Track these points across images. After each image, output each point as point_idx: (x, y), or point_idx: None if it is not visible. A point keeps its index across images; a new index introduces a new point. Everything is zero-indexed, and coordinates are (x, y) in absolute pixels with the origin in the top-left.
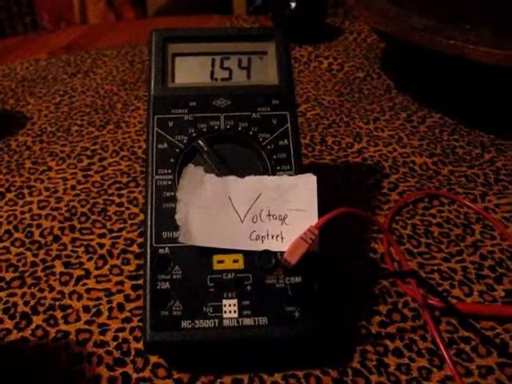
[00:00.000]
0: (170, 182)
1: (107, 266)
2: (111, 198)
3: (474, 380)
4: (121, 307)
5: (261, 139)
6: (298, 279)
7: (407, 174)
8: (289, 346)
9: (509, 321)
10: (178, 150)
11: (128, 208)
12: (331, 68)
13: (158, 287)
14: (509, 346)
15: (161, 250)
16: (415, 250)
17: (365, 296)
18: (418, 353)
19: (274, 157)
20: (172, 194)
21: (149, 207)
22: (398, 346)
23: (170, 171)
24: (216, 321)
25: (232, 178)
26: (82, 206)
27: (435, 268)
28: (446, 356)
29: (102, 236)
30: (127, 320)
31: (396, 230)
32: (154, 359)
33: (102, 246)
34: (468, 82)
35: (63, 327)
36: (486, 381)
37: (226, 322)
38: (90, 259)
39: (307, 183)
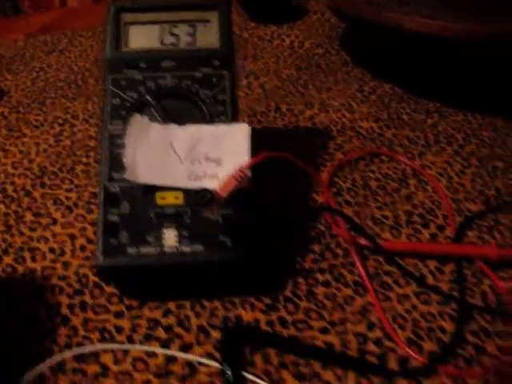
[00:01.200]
0: (121, 132)
1: (72, 215)
2: (79, 158)
3: (391, 305)
4: (83, 248)
5: (202, 95)
6: (230, 212)
7: (353, 137)
8: (222, 270)
9: (429, 257)
10: (128, 105)
11: (94, 167)
12: (293, 45)
13: (109, 220)
14: (427, 278)
15: (112, 189)
16: (352, 200)
17: (302, 237)
18: (344, 284)
19: (213, 109)
20: (123, 141)
21: (103, 153)
22: (327, 278)
23: (121, 122)
24: (158, 248)
25: (174, 126)
26: (53, 166)
27: (368, 214)
28: (367, 284)
29: (69, 190)
30: (88, 258)
31: (336, 183)
32: (108, 289)
33: (68, 198)
34: (411, 52)
35: (31, 265)
36: (402, 306)
37: (167, 249)
38: (57, 210)
39: (240, 131)
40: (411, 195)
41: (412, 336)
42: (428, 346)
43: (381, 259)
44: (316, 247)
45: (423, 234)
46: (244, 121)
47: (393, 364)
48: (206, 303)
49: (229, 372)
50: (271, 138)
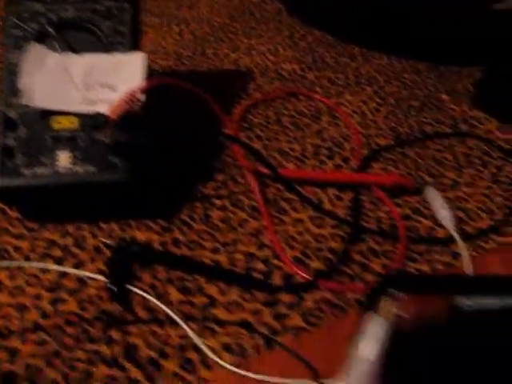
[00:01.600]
0: (19, 60)
1: None
2: None
3: (285, 228)
4: None
5: (102, 26)
6: (122, 135)
7: (274, 78)
8: (114, 190)
9: (330, 185)
10: (30, 36)
11: None
12: None
13: (6, 144)
14: (324, 204)
15: (9, 114)
16: (262, 134)
17: (207, 167)
18: (241, 208)
19: (112, 40)
20: (20, 68)
21: (3, 81)
22: (225, 203)
23: (20, 52)
24: (52, 169)
25: (71, 55)
26: None
27: (277, 147)
28: (262, 208)
29: None
30: None
31: (249, 119)
32: (13, 214)
33: None
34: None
35: None
36: (296, 228)
37: (60, 170)
38: None
39: (136, 59)
40: (322, 130)
41: (300, 256)
42: (315, 264)
43: (281, 187)
44: (220, 176)
45: (327, 165)
46: (169, 64)
47: (277, 280)
48: (103, 225)
49: (113, 286)
50: (193, 78)
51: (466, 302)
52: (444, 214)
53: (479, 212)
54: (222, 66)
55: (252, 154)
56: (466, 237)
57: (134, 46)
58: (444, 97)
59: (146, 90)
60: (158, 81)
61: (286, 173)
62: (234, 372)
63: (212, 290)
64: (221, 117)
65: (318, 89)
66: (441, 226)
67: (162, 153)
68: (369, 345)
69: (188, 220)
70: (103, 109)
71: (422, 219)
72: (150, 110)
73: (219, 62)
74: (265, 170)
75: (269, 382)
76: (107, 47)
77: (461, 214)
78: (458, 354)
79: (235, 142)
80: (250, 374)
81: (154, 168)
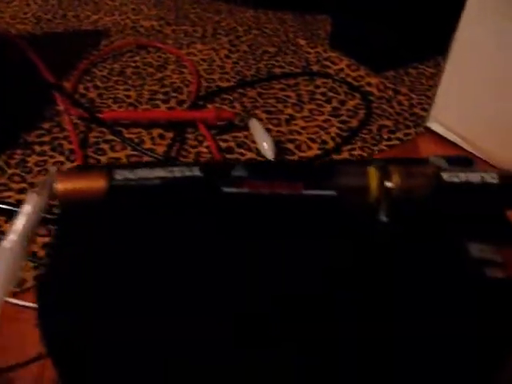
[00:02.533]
0: None
1: None
2: None
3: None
4: None
5: None
6: None
7: (130, 34)
8: None
9: (155, 125)
10: None
11: None
12: None
13: None
14: (144, 143)
15: None
16: (101, 85)
17: (33, 115)
18: (60, 152)
19: None
20: None
21: None
22: (44, 149)
23: None
24: None
25: None
26: None
27: (112, 95)
28: (76, 149)
29: None
30: None
31: (93, 72)
32: None
33: None
34: None
35: None
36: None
37: None
38: None
39: None
40: (164, 78)
41: None
42: None
43: (105, 130)
44: (46, 125)
45: (160, 107)
46: (27, 29)
47: None
48: None
49: None
50: (45, 40)
51: (127, 175)
52: (265, 146)
53: (310, 143)
54: (79, 27)
55: (69, 99)
56: None
57: None
58: (301, 41)
59: None
60: None
61: (108, 115)
62: None
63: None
64: (40, 68)
65: (170, 41)
66: (263, 157)
67: None
68: (18, 222)
69: (3, 165)
70: None
71: (245, 152)
72: None
73: (78, 24)
74: (80, 113)
75: None
76: None
77: (290, 146)
78: (120, 231)
79: (55, 89)
80: None
81: None
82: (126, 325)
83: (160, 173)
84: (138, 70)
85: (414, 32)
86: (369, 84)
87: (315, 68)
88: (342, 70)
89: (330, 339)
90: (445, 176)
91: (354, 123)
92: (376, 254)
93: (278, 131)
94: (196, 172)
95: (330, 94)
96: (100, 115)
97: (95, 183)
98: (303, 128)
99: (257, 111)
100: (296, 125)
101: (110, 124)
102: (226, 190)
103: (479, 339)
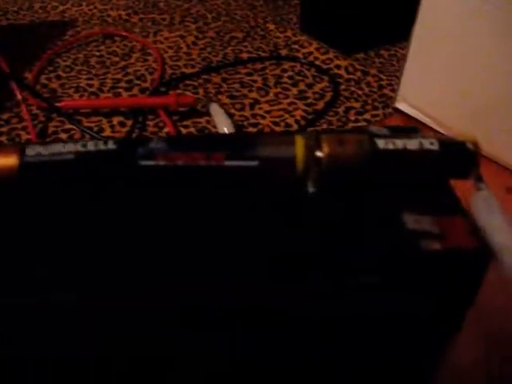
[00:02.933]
0: None
1: None
2: None
3: None
4: None
5: None
6: None
7: (97, 24)
8: None
9: (116, 113)
10: None
11: None
12: None
13: None
14: (104, 131)
15: None
16: (64, 75)
17: None
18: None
19: None
20: None
21: None
22: (1, 139)
23: None
24: None
25: None
26: None
27: (74, 84)
28: (34, 140)
29: None
30: None
31: (56, 62)
32: None
33: None
34: None
35: None
36: None
37: None
38: None
39: None
40: (128, 66)
41: None
42: None
43: (64, 120)
44: (5, 115)
45: (122, 95)
46: None
47: None
48: None
49: None
50: (13, 32)
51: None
52: (225, 130)
53: (273, 126)
54: (45, 19)
55: (26, 89)
56: None
57: None
58: (270, 26)
59: None
60: None
61: (67, 104)
62: None
63: None
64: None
65: (137, 30)
66: None
67: None
68: None
69: None
70: None
71: None
72: None
73: (45, 15)
74: (38, 103)
75: None
76: None
77: (253, 130)
78: (31, 208)
79: (11, 80)
80: None
81: None
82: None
83: (73, 147)
84: (102, 60)
85: (385, 14)
86: (337, 66)
87: (284, 52)
88: (310, 53)
89: (264, 315)
90: (379, 143)
91: (321, 106)
92: (302, 226)
93: (240, 116)
94: (111, 146)
95: (298, 77)
96: (58, 104)
97: (6, 160)
98: (267, 112)
99: (220, 96)
100: (260, 109)
101: (70, 113)
102: (143, 163)
103: (415, 313)
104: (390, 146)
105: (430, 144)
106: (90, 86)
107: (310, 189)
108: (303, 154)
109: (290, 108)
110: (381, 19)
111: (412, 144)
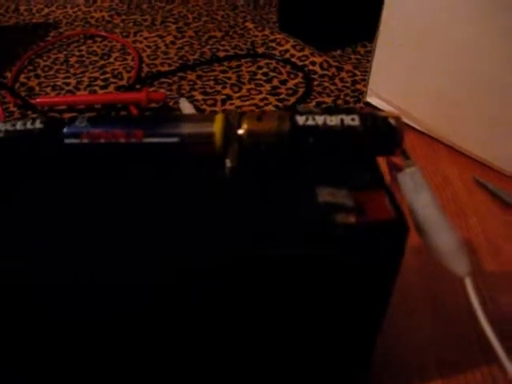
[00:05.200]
0: None
1: None
2: None
3: None
4: None
5: None
6: None
7: (79, 25)
8: None
9: (90, 110)
10: None
11: None
12: None
13: None
14: None
15: None
16: (42, 74)
17: None
18: None
19: None
20: None
21: None
22: None
23: None
24: None
25: None
26: None
27: (52, 83)
28: None
29: None
30: None
31: (36, 62)
32: None
33: None
34: None
35: None
36: None
37: None
38: None
39: None
40: (106, 65)
41: None
42: None
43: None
44: None
45: (98, 92)
46: None
47: None
48: None
49: None
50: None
51: None
52: None
53: None
54: (30, 21)
55: (2, 87)
56: None
57: None
58: (249, 25)
59: None
60: None
61: (41, 101)
62: None
63: None
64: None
65: (118, 30)
66: None
67: None
68: None
69: None
70: None
71: None
72: None
73: (30, 17)
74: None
75: None
76: None
77: None
78: None
79: None
80: None
81: None
82: None
83: (3, 126)
84: (81, 59)
85: (362, 11)
86: (313, 63)
87: (261, 50)
88: (287, 50)
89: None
90: (299, 119)
91: (293, 101)
92: (217, 201)
93: (211, 111)
94: (38, 125)
95: (272, 74)
96: (33, 101)
97: None
98: (238, 107)
99: (194, 93)
100: (232, 104)
101: (45, 110)
102: (68, 141)
103: (338, 287)
104: (310, 123)
105: (351, 120)
106: (67, 84)
107: (228, 164)
108: (221, 130)
109: (262, 103)
110: (358, 16)
111: (333, 120)
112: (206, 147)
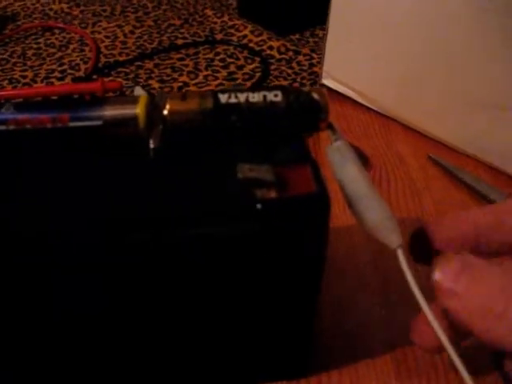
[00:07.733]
0: None
1: None
2: None
3: None
4: None
5: None
6: None
7: (37, 18)
8: None
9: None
10: None
11: None
12: None
13: None
14: None
15: None
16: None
17: None
18: None
19: None
20: None
21: None
22: None
23: None
24: None
25: None
26: None
27: (9, 76)
28: None
29: None
30: None
31: (2, 53)
32: None
33: None
34: None
35: None
36: None
37: None
38: None
39: None
40: (64, 57)
41: None
42: None
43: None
44: None
45: (55, 84)
46: None
47: None
48: None
49: None
50: None
51: None
52: None
53: None
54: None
55: None
56: None
57: None
58: (208, 12)
59: None
60: None
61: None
62: None
63: None
64: None
65: (76, 22)
66: None
67: None
68: None
69: None
70: None
71: None
72: None
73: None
74: None
75: None
76: None
77: None
78: None
79: None
80: None
81: None
82: None
83: None
84: (39, 52)
85: None
86: (270, 48)
87: (219, 37)
88: (245, 36)
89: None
90: (222, 97)
91: (249, 86)
92: (140, 183)
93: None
94: None
95: (230, 60)
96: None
97: None
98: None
99: (151, 81)
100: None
101: (2, 103)
102: None
103: (264, 263)
104: (232, 100)
105: (274, 96)
106: (24, 77)
107: (152, 145)
108: (144, 112)
109: (217, 88)
110: (316, 0)
111: (255, 97)
112: (129, 129)
